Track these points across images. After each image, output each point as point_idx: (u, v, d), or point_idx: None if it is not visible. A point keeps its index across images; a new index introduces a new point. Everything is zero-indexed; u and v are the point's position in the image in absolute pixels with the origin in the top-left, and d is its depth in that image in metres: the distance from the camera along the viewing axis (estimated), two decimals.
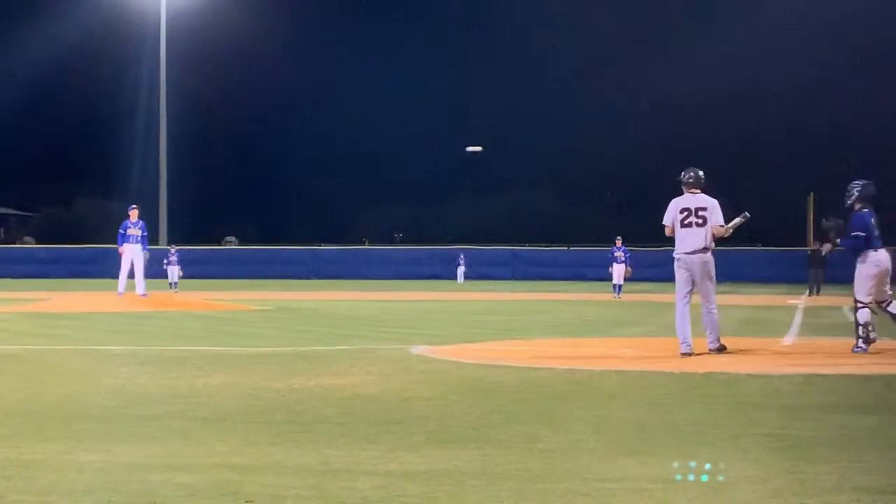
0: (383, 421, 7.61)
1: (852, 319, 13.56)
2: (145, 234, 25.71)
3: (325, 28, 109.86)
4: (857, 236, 13.13)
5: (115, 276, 26.76)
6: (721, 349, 12.67)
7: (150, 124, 71.72)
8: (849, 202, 13.35)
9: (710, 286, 12.78)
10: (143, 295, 25.50)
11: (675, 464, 5.95)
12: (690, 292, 12.78)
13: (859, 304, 13.04)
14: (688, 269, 12.73)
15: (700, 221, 12.58)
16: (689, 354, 12.31)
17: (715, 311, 12.75)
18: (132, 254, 25.54)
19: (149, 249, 26.17)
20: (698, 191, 12.81)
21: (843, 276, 45.17)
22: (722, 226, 12.61)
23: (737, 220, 12.92)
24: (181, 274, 43.27)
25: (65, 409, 8.22)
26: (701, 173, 12.83)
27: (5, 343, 14.46)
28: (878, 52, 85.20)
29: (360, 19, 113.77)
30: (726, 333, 14.64)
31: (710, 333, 12.79)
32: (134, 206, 26.11)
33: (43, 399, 8.76)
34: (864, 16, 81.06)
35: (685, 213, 12.69)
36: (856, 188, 13.28)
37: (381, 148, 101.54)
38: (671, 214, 12.82)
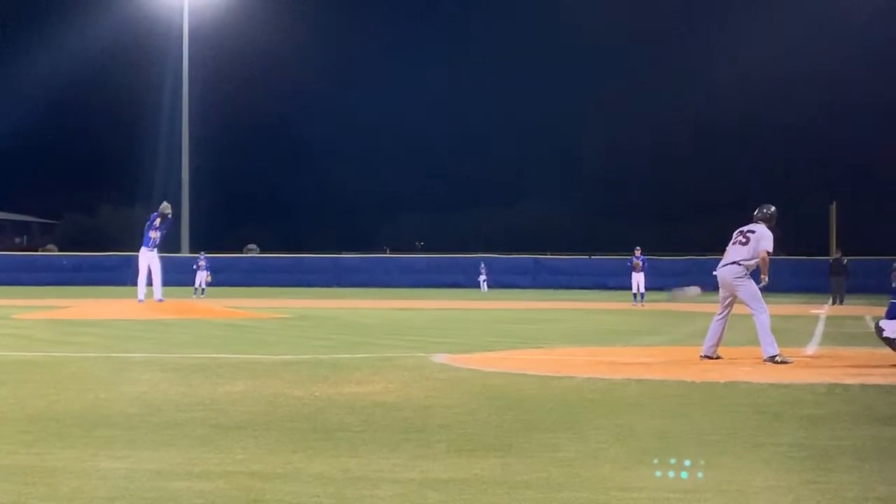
0: (404, 429, 7.62)
1: (873, 328, 13.45)
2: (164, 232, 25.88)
3: (347, 34, 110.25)
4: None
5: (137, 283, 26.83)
6: (773, 360, 12.66)
7: (172, 132, 72.20)
8: None
9: (745, 298, 13.24)
10: (160, 300, 25.75)
11: (698, 473, 5.95)
12: (727, 307, 13.43)
13: None
14: (721, 282, 13.44)
15: (743, 240, 13.33)
16: (706, 357, 13.15)
17: (757, 320, 13.04)
18: (149, 259, 25.71)
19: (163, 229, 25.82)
20: (761, 223, 13.43)
21: (865, 286, 44.75)
22: (767, 252, 13.16)
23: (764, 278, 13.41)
24: (209, 280, 43.43)
25: (87, 415, 8.25)
26: (772, 209, 13.51)
27: (28, 350, 14.54)
28: None
29: (383, 25, 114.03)
30: (748, 343, 14.61)
31: (761, 342, 12.98)
32: (168, 205, 25.73)
33: (65, 406, 8.80)
34: (885, 24, 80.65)
35: (736, 233, 13.48)
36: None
37: (403, 156, 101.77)
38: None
